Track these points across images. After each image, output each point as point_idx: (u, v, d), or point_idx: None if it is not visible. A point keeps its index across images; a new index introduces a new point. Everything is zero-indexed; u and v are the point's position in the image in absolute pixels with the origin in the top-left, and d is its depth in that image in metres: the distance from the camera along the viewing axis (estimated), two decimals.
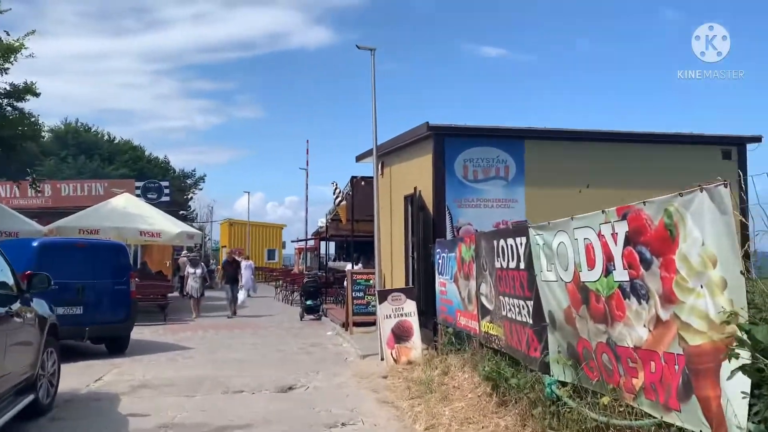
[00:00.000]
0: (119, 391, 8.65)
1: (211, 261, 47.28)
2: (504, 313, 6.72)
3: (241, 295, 18.28)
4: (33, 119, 17.77)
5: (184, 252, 24.90)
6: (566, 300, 5.17)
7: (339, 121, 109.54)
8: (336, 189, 17.26)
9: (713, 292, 3.46)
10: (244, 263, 29.41)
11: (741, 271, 3.27)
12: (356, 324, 14.01)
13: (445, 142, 11.19)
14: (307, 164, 31.82)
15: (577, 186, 11.42)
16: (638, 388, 4.27)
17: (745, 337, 3.01)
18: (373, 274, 13.80)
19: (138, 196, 25.16)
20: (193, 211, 52.73)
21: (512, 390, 6.57)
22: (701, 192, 3.56)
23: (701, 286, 3.57)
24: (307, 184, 32.01)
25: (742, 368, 3.05)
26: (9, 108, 17.43)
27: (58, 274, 10.96)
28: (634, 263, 4.20)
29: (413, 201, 11.97)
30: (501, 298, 6.76)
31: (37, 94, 17.34)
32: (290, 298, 23.01)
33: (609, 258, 4.48)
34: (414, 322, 10.55)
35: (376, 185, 13.48)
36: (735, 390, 3.20)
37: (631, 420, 4.30)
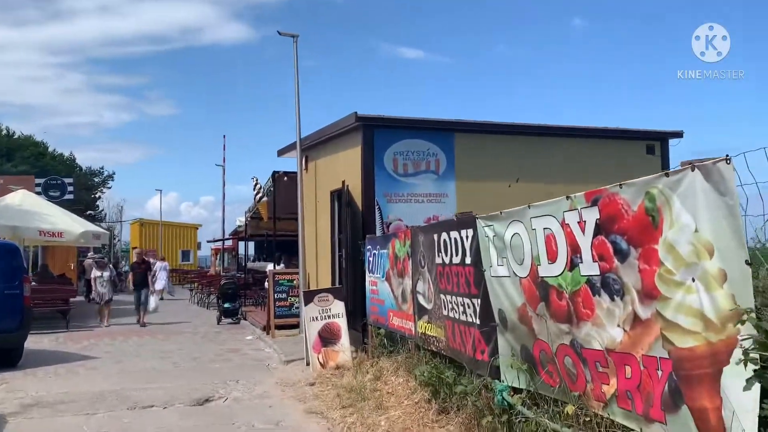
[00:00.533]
0: (7, 411, 7.48)
1: (121, 263, 44.72)
2: (445, 312, 6.14)
3: (152, 301, 16.52)
4: None
5: (91, 254, 23.10)
6: (521, 297, 4.64)
7: (259, 118, 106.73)
8: (256, 185, 16.25)
9: (709, 285, 2.97)
10: (158, 264, 27.86)
11: (747, 261, 2.78)
12: (278, 327, 13.15)
13: (375, 133, 10.57)
14: (224, 161, 30.45)
15: (506, 180, 11.10)
16: (609, 396, 3.76)
17: (763, 338, 2.51)
18: (297, 274, 13.01)
19: (38, 193, 23.13)
20: (102, 210, 49.80)
21: (455, 396, 6.02)
22: (692, 171, 3.06)
23: (692, 280, 3.07)
24: (224, 182, 30.69)
25: (757, 374, 2.55)
26: None
27: None
28: (606, 254, 3.68)
29: (341, 196, 11.29)
30: (442, 296, 6.18)
31: None
32: (206, 301, 21.74)
33: (575, 249, 3.96)
34: (342, 323, 9.85)
35: (300, 180, 12.68)
36: (743, 400, 2.71)
37: None
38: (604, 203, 3.68)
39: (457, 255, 5.69)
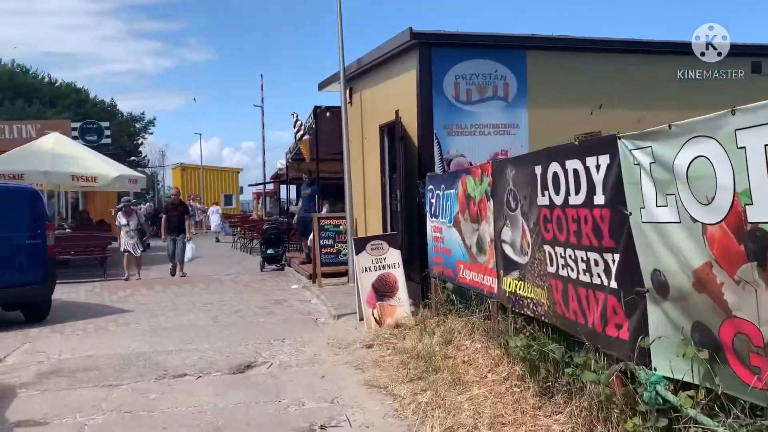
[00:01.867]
0: (21, 380, 6.30)
1: None
2: (552, 269, 4.54)
3: (189, 249, 13.92)
4: None
5: (126, 198, 21.96)
6: (702, 254, 3.00)
7: (299, 60, 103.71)
8: (297, 121, 14.60)
9: None
10: (211, 209, 27.76)
11: None
12: (325, 275, 11.80)
13: (433, 53, 8.80)
14: (262, 101, 28.82)
15: (588, 106, 9.28)
16: None
17: None
18: (344, 219, 11.56)
19: (75, 138, 22.00)
20: (145, 156, 49.14)
21: (563, 377, 4.50)
22: None
23: None
24: (263, 123, 29.20)
25: None
26: None
27: None
28: None
29: (392, 130, 9.63)
30: (548, 248, 4.57)
31: None
32: (249, 246, 20.61)
33: None
34: (399, 275, 8.39)
35: (344, 114, 11.07)
36: None
37: None
38: None
39: (578, 193, 4.04)
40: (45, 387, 6.06)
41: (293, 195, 27.43)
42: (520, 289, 5.27)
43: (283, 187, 25.87)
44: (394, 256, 8.48)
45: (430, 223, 7.87)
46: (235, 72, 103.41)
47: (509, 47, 9.13)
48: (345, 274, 11.57)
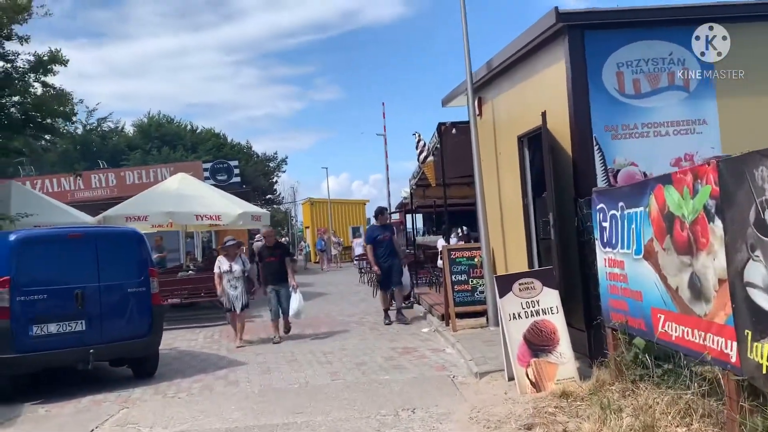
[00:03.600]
0: None
1: (302, 243, 44.16)
2: None
3: (296, 301, 10.24)
4: (65, 93, 14.55)
5: (259, 236, 21.47)
6: None
7: (419, 81, 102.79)
8: (419, 141, 12.99)
9: None
10: (355, 242, 27.40)
11: None
12: (459, 316, 9.91)
13: (587, 37, 6.78)
14: (384, 129, 27.61)
15: None
16: None
17: None
18: (479, 250, 9.66)
19: (207, 178, 21.98)
20: (279, 194, 50.28)
21: None
22: None
23: None
24: (386, 152, 27.81)
25: None
26: (38, 84, 14.35)
27: (48, 277, 7.61)
28: None
29: (535, 140, 7.67)
30: None
31: (64, 62, 14.14)
32: (376, 281, 19.15)
33: None
34: (559, 322, 6.37)
35: (473, 127, 9.28)
36: None
37: None
38: None
39: None
40: None
41: (419, 224, 25.87)
42: None
43: (408, 217, 24.34)
44: (550, 297, 6.47)
45: (603, 255, 5.76)
46: (361, 109, 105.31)
47: (686, 22, 6.89)
48: (483, 314, 9.66)
